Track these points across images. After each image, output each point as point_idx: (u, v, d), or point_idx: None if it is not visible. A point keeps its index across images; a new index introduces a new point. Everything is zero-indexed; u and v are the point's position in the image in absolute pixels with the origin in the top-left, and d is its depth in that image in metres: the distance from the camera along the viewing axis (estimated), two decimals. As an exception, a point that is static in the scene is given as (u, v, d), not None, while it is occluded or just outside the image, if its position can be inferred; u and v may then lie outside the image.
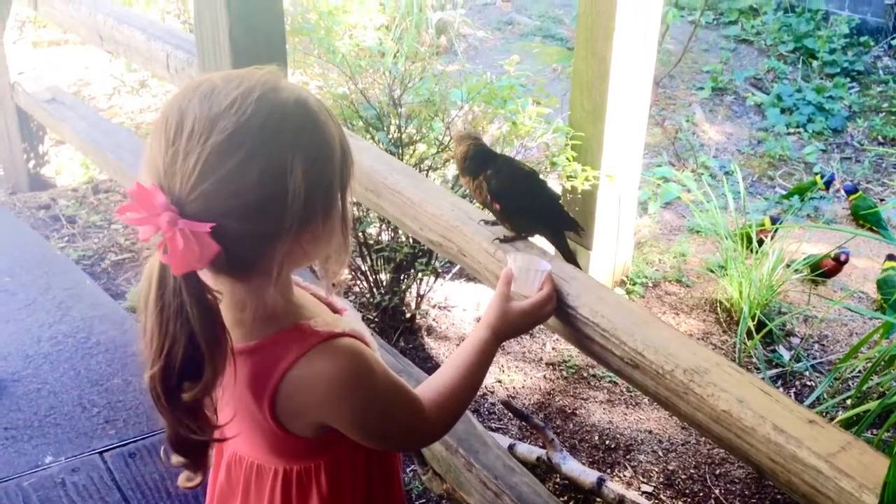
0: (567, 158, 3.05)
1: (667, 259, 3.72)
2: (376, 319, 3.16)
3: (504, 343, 3.21)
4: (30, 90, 4.04)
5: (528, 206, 1.65)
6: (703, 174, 4.50)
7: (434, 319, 3.30)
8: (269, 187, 1.00)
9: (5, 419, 2.64)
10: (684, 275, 3.62)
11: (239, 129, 0.98)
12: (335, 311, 1.30)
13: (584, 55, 3.06)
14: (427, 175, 3.06)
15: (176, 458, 1.11)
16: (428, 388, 1.30)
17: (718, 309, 3.37)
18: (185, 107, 1.00)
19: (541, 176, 1.79)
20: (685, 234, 3.97)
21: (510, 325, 1.37)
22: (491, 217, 1.67)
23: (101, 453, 2.51)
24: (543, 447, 2.59)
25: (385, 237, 3.10)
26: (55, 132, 4.07)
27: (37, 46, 5.39)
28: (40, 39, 5.42)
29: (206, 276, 1.05)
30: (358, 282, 3.29)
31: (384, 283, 3.15)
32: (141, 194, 0.97)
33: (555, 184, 3.33)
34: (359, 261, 3.18)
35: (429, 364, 3.02)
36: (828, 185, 4.33)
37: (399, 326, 3.17)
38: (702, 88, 5.54)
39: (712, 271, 3.53)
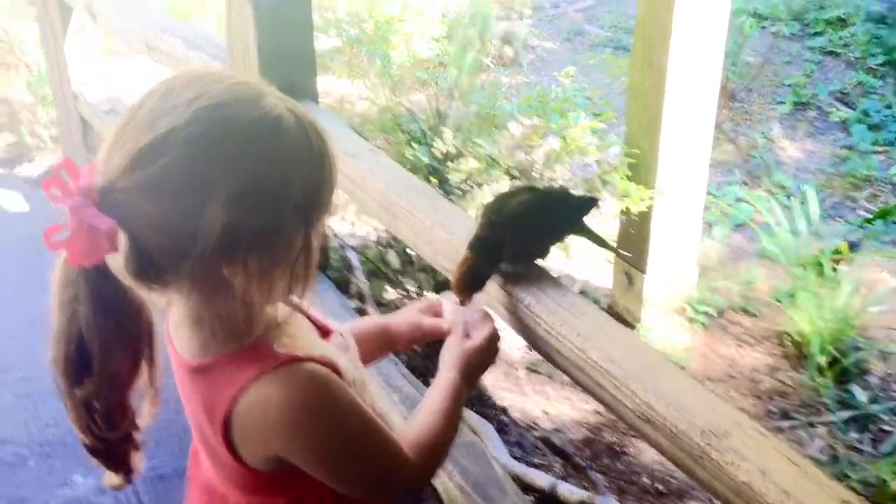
0: (621, 177, 2.87)
1: (733, 286, 3.47)
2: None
3: (551, 371, 3.09)
4: (91, 100, 4.07)
5: (549, 232, 1.49)
6: (778, 194, 4.22)
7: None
8: (181, 205, 0.91)
9: (41, 434, 2.61)
10: (752, 303, 3.37)
11: (169, 135, 0.91)
12: (328, 334, 1.20)
13: (640, 65, 2.88)
14: (479, 188, 2.92)
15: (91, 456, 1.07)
16: (406, 429, 1.18)
17: (788, 342, 3.12)
18: (145, 97, 0.96)
19: (530, 183, 1.61)
20: (755, 259, 3.72)
21: (472, 365, 1.28)
22: None
23: (130, 475, 2.44)
24: (587, 488, 2.41)
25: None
26: (112, 142, 4.09)
27: (108, 56, 5.48)
28: (112, 49, 5.49)
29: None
30: (406, 302, 3.18)
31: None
32: (65, 170, 0.92)
33: (610, 203, 3.15)
34: (404, 279, 3.08)
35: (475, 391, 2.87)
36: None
37: (443, 350, 3.04)
38: (782, 103, 5.24)
39: (780, 301, 3.28)
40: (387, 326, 1.39)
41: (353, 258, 3.46)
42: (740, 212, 3.88)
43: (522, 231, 1.40)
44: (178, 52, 2.81)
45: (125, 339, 1.00)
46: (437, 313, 1.37)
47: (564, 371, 1.37)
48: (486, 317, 1.34)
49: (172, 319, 1.08)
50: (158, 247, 0.93)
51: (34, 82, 4.71)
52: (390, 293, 3.36)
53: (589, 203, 1.51)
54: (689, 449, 1.12)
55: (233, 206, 0.91)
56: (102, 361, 0.98)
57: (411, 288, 3.12)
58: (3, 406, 2.74)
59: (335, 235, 3.60)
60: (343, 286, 3.51)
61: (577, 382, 1.34)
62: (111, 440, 1.04)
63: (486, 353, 1.30)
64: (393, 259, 3.19)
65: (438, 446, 1.19)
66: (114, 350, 0.98)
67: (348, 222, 3.85)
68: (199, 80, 0.95)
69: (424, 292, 3.07)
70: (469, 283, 1.38)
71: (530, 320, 1.39)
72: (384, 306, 3.33)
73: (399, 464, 1.12)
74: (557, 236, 1.51)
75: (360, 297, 3.40)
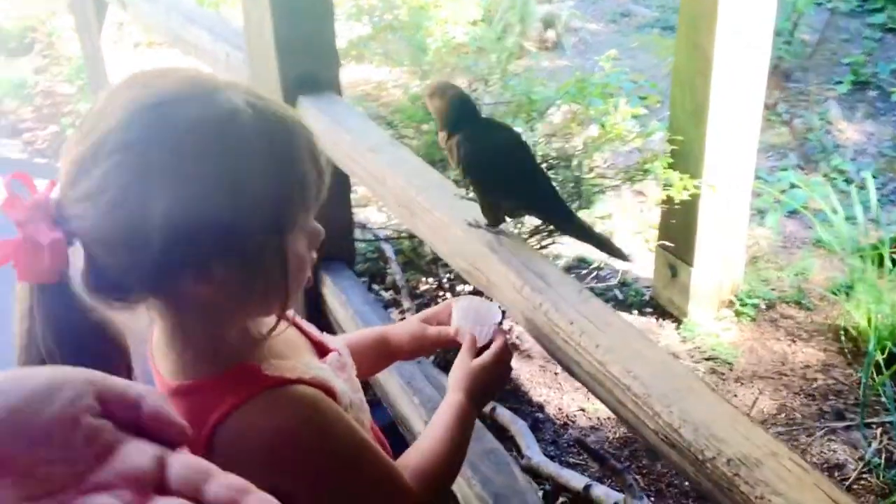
0: (663, 165, 2.72)
1: (785, 277, 3.30)
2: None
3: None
4: (126, 92, 4.05)
5: (505, 181, 1.41)
6: (836, 179, 4.01)
7: (517, 337, 3.03)
8: (123, 214, 0.83)
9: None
10: (805, 295, 3.19)
11: (105, 140, 0.83)
12: (326, 352, 1.11)
13: (685, 48, 2.72)
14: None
15: None
16: (408, 456, 1.12)
17: (843, 337, 2.95)
18: (105, 95, 0.88)
19: (530, 149, 1.54)
20: (810, 248, 3.53)
21: (480, 385, 1.20)
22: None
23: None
24: (623, 490, 2.29)
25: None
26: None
27: (151, 47, 5.46)
28: (152, 42, 5.47)
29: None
30: (440, 293, 3.09)
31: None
32: (21, 184, 0.84)
33: (653, 192, 3.00)
34: (438, 270, 2.99)
35: (510, 386, 2.77)
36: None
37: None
38: (840, 82, 4.98)
39: (836, 293, 3.09)
40: (386, 337, 1.30)
41: (388, 249, 3.38)
42: (794, 198, 3.68)
43: (474, 167, 1.39)
44: (204, 44, 2.75)
45: (89, 362, 0.92)
46: (441, 322, 1.28)
47: (583, 384, 1.25)
48: (498, 330, 1.26)
49: (154, 337, 1.00)
50: (109, 260, 0.86)
51: (72, 74, 4.72)
52: (425, 284, 3.27)
53: (569, 215, 1.45)
54: (715, 479, 1.00)
55: (177, 212, 0.82)
56: None
57: (445, 279, 3.02)
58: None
59: (365, 227, 3.52)
60: (379, 277, 3.43)
61: (597, 397, 1.23)
62: None
63: (496, 372, 1.22)
64: (427, 249, 3.10)
65: (442, 474, 1.13)
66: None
67: (384, 213, 3.76)
68: (145, 78, 0.87)
69: (458, 284, 2.98)
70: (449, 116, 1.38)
71: (548, 328, 1.28)
72: (419, 297, 3.23)
73: (401, 491, 1.04)
74: (512, 202, 1.44)
75: (395, 289, 3.31)
